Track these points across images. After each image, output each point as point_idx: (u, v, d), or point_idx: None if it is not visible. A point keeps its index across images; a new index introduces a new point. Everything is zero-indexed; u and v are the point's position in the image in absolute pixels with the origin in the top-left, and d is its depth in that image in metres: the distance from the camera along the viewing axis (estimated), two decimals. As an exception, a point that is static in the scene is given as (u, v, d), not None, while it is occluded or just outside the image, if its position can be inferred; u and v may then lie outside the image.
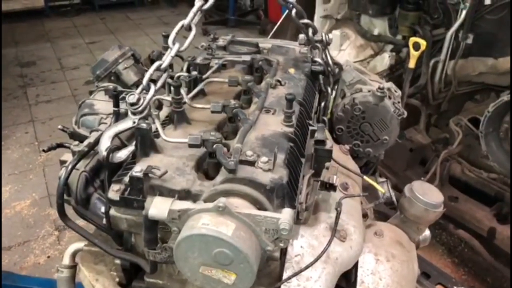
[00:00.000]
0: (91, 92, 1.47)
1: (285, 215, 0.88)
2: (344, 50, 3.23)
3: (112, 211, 1.01)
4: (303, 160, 1.10)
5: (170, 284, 1.09)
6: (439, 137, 3.24)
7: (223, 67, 1.48)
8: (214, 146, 0.99)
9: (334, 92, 1.55)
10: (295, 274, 0.96)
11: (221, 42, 1.56)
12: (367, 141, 1.54)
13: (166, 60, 1.07)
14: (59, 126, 1.40)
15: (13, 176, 3.96)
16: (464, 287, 2.25)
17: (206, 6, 1.10)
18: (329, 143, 1.08)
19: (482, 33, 2.67)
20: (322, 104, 1.51)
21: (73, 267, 1.29)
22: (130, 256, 1.06)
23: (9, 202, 3.65)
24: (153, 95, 1.05)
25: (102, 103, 1.35)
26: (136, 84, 1.47)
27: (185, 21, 1.08)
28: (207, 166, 1.05)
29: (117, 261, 1.10)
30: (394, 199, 1.42)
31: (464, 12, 2.65)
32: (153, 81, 1.19)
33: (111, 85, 1.39)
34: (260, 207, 0.92)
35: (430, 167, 2.99)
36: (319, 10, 3.20)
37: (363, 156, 1.58)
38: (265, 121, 1.14)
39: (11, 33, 6.75)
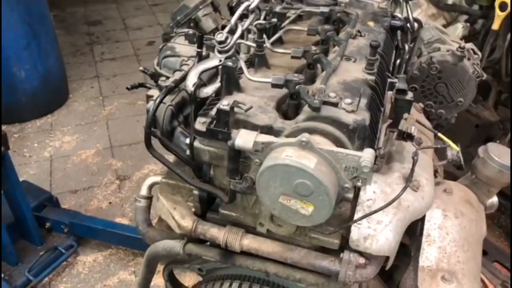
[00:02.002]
0: (165, 37, 1.52)
1: (367, 153, 0.90)
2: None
3: (196, 143, 1.07)
4: (382, 109, 1.11)
5: (243, 217, 1.14)
6: (508, 116, 3.10)
7: (299, 18, 1.49)
8: (297, 86, 1.02)
9: (410, 50, 1.52)
10: (366, 215, 0.99)
11: (298, -6, 1.57)
12: (440, 102, 1.51)
13: (254, 1, 1.09)
14: (140, 68, 1.48)
15: (79, 127, 4.20)
16: (523, 266, 2.19)
17: None
18: (410, 93, 1.08)
19: None
20: (398, 61, 1.49)
21: (149, 198, 1.39)
22: (209, 187, 1.13)
23: (76, 150, 3.89)
24: (239, 36, 1.08)
25: (183, 47, 1.40)
26: (213, 32, 1.51)
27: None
28: (287, 107, 1.09)
29: (195, 192, 1.17)
30: (462, 161, 1.39)
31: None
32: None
33: (190, 31, 1.44)
34: (341, 146, 0.95)
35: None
36: (391, -24, 3.09)
37: (434, 117, 1.56)
38: (347, 68, 1.15)
39: (81, -8, 7.00)
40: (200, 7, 1.50)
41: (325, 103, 0.98)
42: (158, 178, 1.33)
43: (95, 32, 5.89)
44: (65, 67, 4.58)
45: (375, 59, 1.11)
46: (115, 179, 3.59)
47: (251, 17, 1.12)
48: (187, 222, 1.17)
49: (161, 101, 1.11)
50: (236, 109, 1.00)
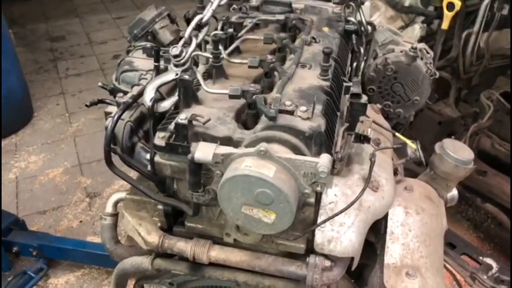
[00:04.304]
0: (128, 52, 1.52)
1: (324, 159, 0.92)
2: (374, 21, 3.20)
3: (157, 158, 1.07)
4: (338, 113, 1.13)
5: (210, 229, 1.15)
6: (468, 111, 3.21)
7: (256, 26, 1.51)
8: (254, 96, 1.03)
9: (366, 53, 1.56)
10: (329, 218, 1.01)
11: (254, 2, 1.59)
12: (398, 101, 1.55)
13: (207, 14, 1.10)
14: (99, 83, 1.46)
15: (46, 146, 4.10)
16: (490, 257, 2.26)
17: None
18: (365, 97, 1.11)
19: (518, 3, 2.61)
20: (354, 64, 1.53)
21: (115, 215, 1.37)
22: (172, 201, 1.12)
23: (43, 169, 3.80)
24: (195, 48, 1.09)
25: (141, 61, 1.40)
26: (171, 44, 1.51)
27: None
28: (246, 117, 1.10)
29: (160, 207, 1.16)
30: (422, 158, 1.44)
31: (500, -19, 2.58)
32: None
33: (148, 44, 1.44)
34: (299, 153, 0.97)
35: (461, 141, 2.97)
36: (349, -19, 3.17)
37: (393, 117, 1.60)
38: (302, 75, 1.17)
39: (42, 8, 6.87)
40: (157, 20, 1.49)
41: (281, 111, 1.00)
42: (123, 195, 1.32)
43: (58, 48, 5.78)
44: (28, 85, 4.48)
45: (329, 66, 1.13)
46: (85, 197, 3.52)
47: (205, 29, 1.13)
48: (153, 237, 1.17)
49: (119, 118, 1.10)
50: (194, 122, 1.00)
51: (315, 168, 0.91)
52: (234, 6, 1.60)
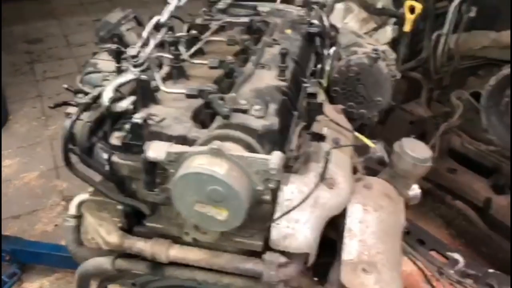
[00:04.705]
0: (94, 54, 1.52)
1: (275, 156, 0.94)
2: (348, 23, 3.25)
3: (114, 158, 1.08)
4: (295, 113, 1.16)
5: (169, 228, 1.16)
6: (440, 111, 3.27)
7: (222, 29, 1.53)
8: (210, 96, 1.05)
9: (331, 55, 1.59)
10: (284, 214, 1.03)
11: (220, 5, 1.61)
12: (361, 102, 1.59)
13: (164, 14, 1.12)
14: (64, 85, 1.46)
15: (21, 149, 4.05)
16: (457, 253, 2.31)
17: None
18: (321, 96, 1.14)
19: (485, 6, 2.68)
20: (319, 66, 1.55)
21: (79, 217, 1.37)
22: (130, 201, 1.13)
23: (18, 173, 3.75)
24: (152, 48, 1.10)
25: (106, 62, 1.40)
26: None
27: (182, -23, 1.13)
28: (204, 116, 1.11)
29: (119, 207, 1.17)
30: (386, 157, 1.47)
31: (467, -16, 2.65)
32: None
33: (113, 46, 1.44)
34: (252, 151, 0.99)
35: (430, 140, 3.03)
36: (323, -17, 3.21)
37: (357, 117, 1.63)
38: (260, 75, 1.19)
39: (19, 10, 6.77)
40: (122, 22, 1.50)
41: (236, 110, 1.02)
42: (86, 196, 1.32)
43: (35, 51, 5.71)
44: (3, 88, 4.42)
45: (285, 66, 1.16)
46: (60, 201, 3.48)
47: (163, 30, 1.14)
48: (113, 237, 1.17)
49: (76, 118, 1.11)
50: (149, 121, 1.02)
51: (266, 165, 0.93)
52: (204, 9, 1.62)
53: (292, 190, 1.11)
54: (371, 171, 1.54)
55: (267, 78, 1.18)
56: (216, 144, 0.93)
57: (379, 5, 3.08)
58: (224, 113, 0.97)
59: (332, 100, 1.62)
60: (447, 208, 3.29)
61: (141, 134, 1.01)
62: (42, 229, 3.21)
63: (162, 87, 1.11)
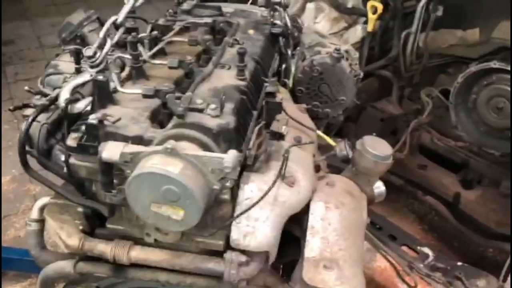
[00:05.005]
0: (57, 55, 1.51)
1: (229, 155, 0.95)
2: (319, 22, 3.28)
3: (72, 159, 1.07)
4: (254, 112, 1.17)
5: (130, 229, 1.15)
6: (411, 109, 3.33)
7: (186, 29, 1.53)
8: (167, 96, 1.05)
9: (295, 55, 1.61)
10: (242, 213, 1.03)
11: (185, 6, 1.61)
12: (325, 101, 1.61)
13: (121, 14, 1.11)
14: (26, 87, 1.44)
15: (-8, 153, 3.97)
16: (427, 247, 2.36)
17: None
18: (279, 96, 1.15)
19: (451, 5, 2.74)
20: (283, 66, 1.57)
21: (42, 221, 1.35)
22: (90, 202, 1.13)
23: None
24: (110, 49, 1.10)
25: (67, 64, 1.39)
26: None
27: (138, -21, 1.13)
28: (162, 117, 1.11)
29: (79, 209, 1.16)
30: (350, 155, 1.49)
31: (433, -17, 2.71)
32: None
33: (75, 47, 1.43)
34: (208, 150, 0.99)
35: (400, 137, 3.08)
36: (294, -17, 3.24)
37: (322, 117, 1.65)
38: (220, 75, 1.20)
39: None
40: (85, 23, 1.49)
41: (192, 109, 1.02)
42: (47, 199, 1.31)
43: (6, 52, 5.59)
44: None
45: (244, 66, 1.16)
46: (33, 205, 3.42)
47: (120, 30, 1.14)
48: (73, 240, 1.16)
49: (33, 120, 1.10)
50: (105, 122, 1.01)
51: (221, 164, 0.94)
52: (170, 10, 1.62)
53: (252, 189, 1.12)
54: (335, 169, 1.56)
55: (226, 77, 1.19)
56: (170, 143, 0.93)
57: (349, 4, 3.12)
58: (178, 112, 0.98)
59: (297, 100, 1.63)
60: (419, 204, 3.36)
61: (96, 135, 1.00)
62: (14, 234, 3.15)
63: (119, 88, 1.11)
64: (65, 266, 1.21)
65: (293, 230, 1.33)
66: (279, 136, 1.13)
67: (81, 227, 1.20)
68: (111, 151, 0.95)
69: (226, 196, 1.05)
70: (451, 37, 2.90)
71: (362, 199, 1.40)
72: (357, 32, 3.12)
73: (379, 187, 1.57)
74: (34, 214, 1.34)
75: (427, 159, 3.03)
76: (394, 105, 3.19)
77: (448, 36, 2.91)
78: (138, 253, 1.14)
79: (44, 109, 1.12)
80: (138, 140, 1.02)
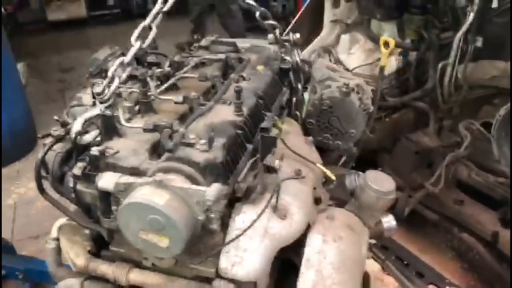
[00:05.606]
0: (84, 88, 1.65)
1: (212, 188, 1.00)
2: (353, 53, 3.30)
3: (79, 186, 1.17)
4: (249, 146, 1.22)
5: (130, 253, 1.23)
6: (451, 141, 3.22)
7: (202, 65, 1.62)
8: (165, 130, 1.13)
9: (308, 89, 1.65)
10: (229, 242, 1.08)
11: (203, 42, 1.71)
12: (336, 134, 1.63)
13: (128, 55, 1.22)
14: (55, 117, 1.59)
15: (47, 173, 4.27)
16: (457, 287, 2.25)
17: (165, 8, 1.25)
18: (275, 131, 1.20)
19: (491, 36, 2.67)
20: (294, 99, 1.61)
21: (59, 239, 1.47)
22: (94, 226, 1.22)
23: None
24: (117, 86, 1.20)
25: (89, 96, 1.52)
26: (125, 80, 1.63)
27: (145, 22, 1.24)
28: (161, 149, 1.19)
29: (86, 231, 1.26)
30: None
31: (471, 14, 2.65)
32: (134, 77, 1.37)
33: (99, 81, 1.56)
34: (195, 182, 1.05)
35: (436, 170, 2.98)
36: (329, 15, 3.30)
37: (334, 149, 1.67)
38: (219, 110, 1.27)
39: (56, 41, 7.24)
40: (109, 59, 1.63)
41: (184, 144, 1.09)
42: (64, 220, 1.42)
43: (67, 79, 6.07)
44: (32, 114, 4.71)
45: (240, 102, 1.23)
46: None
47: (128, 69, 1.24)
48: (80, 260, 1.26)
49: (48, 149, 1.22)
50: (106, 153, 1.10)
51: (204, 196, 0.99)
52: (196, 44, 1.73)
53: (243, 220, 1.16)
54: (342, 202, 1.56)
55: (225, 113, 1.25)
56: (159, 176, 1.00)
57: (385, 35, 3.12)
58: (168, 146, 1.05)
59: (307, 132, 1.67)
60: (460, 241, 3.19)
61: (98, 165, 1.10)
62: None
63: (123, 122, 1.20)
64: (74, 284, 1.31)
65: (296, 261, 1.34)
66: (272, 170, 1.17)
67: (88, 248, 1.29)
68: (107, 181, 1.04)
69: (215, 226, 1.10)
70: (492, 68, 2.81)
71: (363, 234, 1.39)
72: (391, 64, 3.11)
73: (389, 221, 1.55)
74: (53, 233, 1.46)
75: (464, 195, 2.90)
76: (430, 137, 3.10)
77: (489, 68, 2.82)
78: (136, 276, 1.21)
79: (59, 139, 1.24)
80: (135, 171, 1.10)
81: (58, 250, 1.47)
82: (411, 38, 2.99)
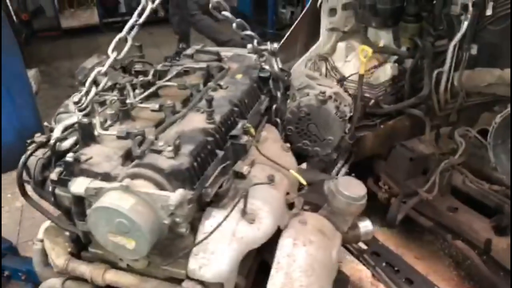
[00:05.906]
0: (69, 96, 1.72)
1: (175, 193, 1.05)
2: (350, 61, 3.33)
3: (57, 190, 1.24)
4: (220, 153, 1.27)
5: (107, 254, 1.28)
6: (448, 148, 3.22)
7: (186, 73, 1.68)
8: (136, 137, 1.19)
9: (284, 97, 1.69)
10: (197, 244, 1.13)
11: (189, 51, 1.77)
12: (314, 140, 1.67)
13: (105, 66, 1.29)
14: (45, 123, 1.66)
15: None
16: (446, 294, 2.26)
17: (140, 21, 1.31)
18: (245, 137, 1.24)
19: (486, 43, 2.67)
20: (274, 107, 1.66)
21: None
22: (72, 228, 1.28)
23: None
24: (93, 96, 1.27)
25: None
26: (111, 88, 1.70)
27: (121, 34, 1.30)
28: (134, 155, 1.25)
29: (66, 233, 1.32)
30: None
31: (466, 22, 2.67)
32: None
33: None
34: (161, 188, 1.11)
35: (431, 177, 2.98)
36: (325, 23, 3.33)
37: (313, 154, 1.71)
38: (192, 118, 1.33)
39: (68, 48, 7.41)
40: (96, 67, 1.69)
41: (152, 150, 1.15)
42: (49, 222, 1.49)
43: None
44: (41, 121, 4.84)
45: (211, 110, 1.28)
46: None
47: (105, 79, 1.31)
48: (60, 260, 1.32)
49: (30, 154, 1.29)
50: (80, 160, 1.17)
51: (167, 201, 1.04)
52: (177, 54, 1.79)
53: (212, 224, 1.21)
54: (317, 207, 1.60)
55: (197, 121, 1.31)
56: (125, 181, 1.06)
57: (381, 43, 3.14)
58: (135, 153, 1.11)
59: (287, 138, 1.71)
60: (458, 249, 3.18)
61: (72, 171, 1.16)
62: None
63: (98, 130, 1.27)
64: (55, 283, 1.37)
65: (271, 264, 1.38)
66: (241, 176, 1.22)
67: (69, 249, 1.35)
68: (78, 185, 1.10)
69: (183, 230, 1.15)
70: (489, 76, 2.81)
71: (335, 238, 1.43)
72: (387, 71, 3.13)
73: (367, 226, 1.59)
74: (40, 234, 1.53)
75: (458, 202, 2.90)
76: (425, 144, 3.11)
77: (485, 75, 2.82)
78: (111, 276, 1.27)
79: (41, 145, 1.31)
80: (106, 176, 1.16)
81: (44, 251, 1.54)
82: (405, 45, 3.01)
